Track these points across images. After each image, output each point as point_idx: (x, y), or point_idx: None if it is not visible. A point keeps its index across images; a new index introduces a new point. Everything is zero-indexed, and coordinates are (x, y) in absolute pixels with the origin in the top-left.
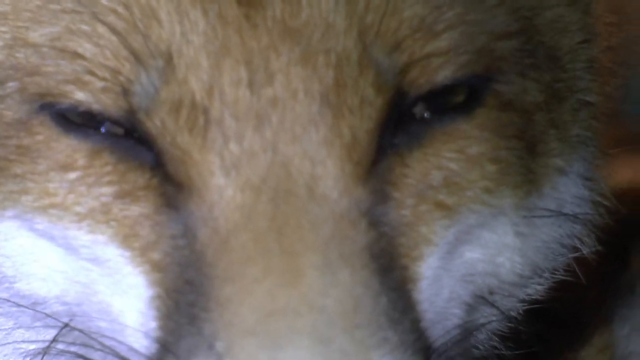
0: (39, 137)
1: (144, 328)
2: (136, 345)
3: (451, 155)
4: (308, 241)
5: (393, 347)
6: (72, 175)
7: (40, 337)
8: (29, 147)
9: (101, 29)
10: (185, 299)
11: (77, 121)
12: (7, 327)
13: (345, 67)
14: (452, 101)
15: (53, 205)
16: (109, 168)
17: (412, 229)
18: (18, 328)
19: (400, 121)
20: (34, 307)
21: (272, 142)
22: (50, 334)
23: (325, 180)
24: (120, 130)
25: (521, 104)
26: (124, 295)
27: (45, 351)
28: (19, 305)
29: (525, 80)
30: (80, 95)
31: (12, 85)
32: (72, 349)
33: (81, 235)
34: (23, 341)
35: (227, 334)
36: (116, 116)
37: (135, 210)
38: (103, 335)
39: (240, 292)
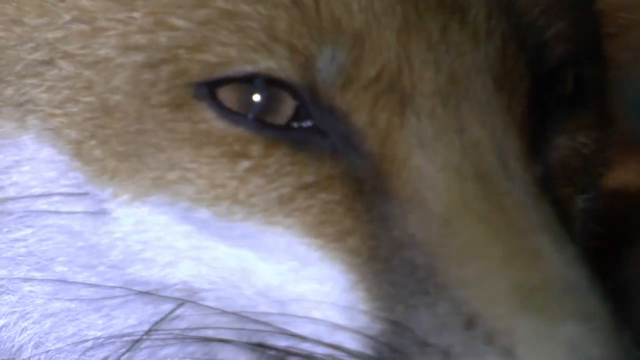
0: (202, 125)
1: (347, 313)
2: (343, 323)
3: (583, 141)
4: (531, 220)
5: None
6: (245, 165)
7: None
8: (187, 133)
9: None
10: (410, 280)
11: (234, 108)
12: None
13: (507, 47)
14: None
15: (220, 198)
16: (288, 159)
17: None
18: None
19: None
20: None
21: (460, 122)
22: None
23: (511, 159)
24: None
25: None
26: (310, 283)
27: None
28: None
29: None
30: (265, 63)
31: (166, 68)
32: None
33: (251, 226)
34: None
35: (492, 311)
36: (299, 88)
37: (322, 198)
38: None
39: (489, 271)
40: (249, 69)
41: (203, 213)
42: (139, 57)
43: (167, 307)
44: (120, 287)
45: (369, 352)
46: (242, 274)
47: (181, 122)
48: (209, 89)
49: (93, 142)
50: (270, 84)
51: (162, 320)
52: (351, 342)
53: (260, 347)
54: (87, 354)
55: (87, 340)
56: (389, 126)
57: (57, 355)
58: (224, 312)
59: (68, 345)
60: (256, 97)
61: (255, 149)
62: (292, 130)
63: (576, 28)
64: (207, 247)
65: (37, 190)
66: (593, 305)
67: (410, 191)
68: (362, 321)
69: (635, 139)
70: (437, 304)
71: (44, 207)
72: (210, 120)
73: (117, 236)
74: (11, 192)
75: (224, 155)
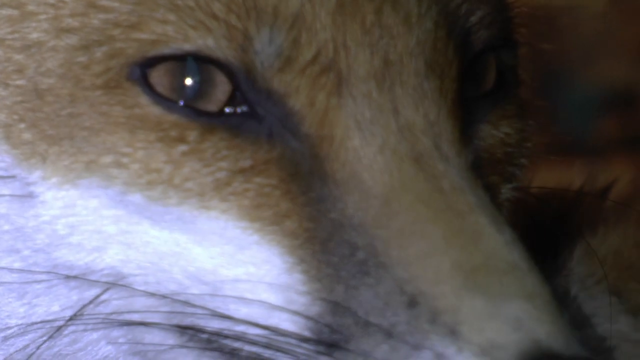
0: (137, 110)
1: (284, 296)
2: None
3: (507, 131)
4: (469, 202)
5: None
6: (182, 149)
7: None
8: (121, 118)
9: None
10: (350, 261)
11: (166, 94)
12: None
13: (437, 31)
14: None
15: (155, 182)
16: (224, 143)
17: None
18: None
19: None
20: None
21: (395, 105)
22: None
23: (445, 142)
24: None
25: None
26: (246, 267)
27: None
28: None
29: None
30: (202, 41)
31: (100, 50)
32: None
33: (186, 210)
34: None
35: (435, 290)
36: (236, 70)
37: (259, 182)
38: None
39: (431, 250)
40: (186, 47)
41: (136, 197)
42: (72, 40)
43: (92, 292)
44: (47, 272)
45: (307, 333)
46: (174, 258)
47: (116, 106)
48: (142, 71)
49: (22, 126)
50: (203, 65)
51: (87, 304)
52: (288, 324)
53: (190, 330)
54: (7, 342)
55: (9, 328)
56: (327, 108)
57: None
58: (152, 295)
59: None
60: (188, 81)
61: (192, 134)
62: (227, 116)
63: (495, 14)
64: (138, 231)
65: None
66: (534, 285)
67: (348, 173)
68: (300, 303)
69: (576, 141)
70: (379, 284)
71: None
72: (145, 105)
73: (44, 219)
74: None
75: (160, 140)
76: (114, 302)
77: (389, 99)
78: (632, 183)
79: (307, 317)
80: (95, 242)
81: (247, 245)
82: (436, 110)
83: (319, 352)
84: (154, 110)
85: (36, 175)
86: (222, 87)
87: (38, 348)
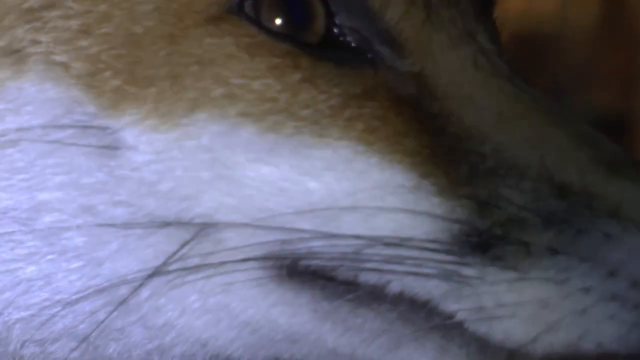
0: (246, 39)
1: (420, 205)
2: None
3: None
4: (561, 112)
5: None
6: (297, 76)
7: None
8: (232, 47)
9: None
10: (481, 169)
11: (270, 26)
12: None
13: None
14: None
15: (271, 111)
16: (334, 72)
17: None
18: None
19: None
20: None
21: (471, 29)
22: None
23: (506, 67)
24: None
25: None
26: (370, 191)
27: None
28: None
29: None
30: None
31: None
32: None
33: (302, 140)
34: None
35: (584, 180)
36: None
37: (371, 106)
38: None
39: (564, 149)
40: None
41: (249, 129)
42: None
43: (179, 243)
44: (124, 225)
45: (455, 238)
46: (282, 195)
47: (225, 38)
48: (245, 5)
49: (109, 73)
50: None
51: (172, 255)
52: (433, 232)
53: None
54: (68, 308)
55: (68, 296)
56: (421, 24)
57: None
58: (249, 227)
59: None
60: (294, 14)
61: (304, 62)
62: (329, 46)
63: None
64: (242, 171)
65: (38, 126)
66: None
67: (454, 89)
68: (441, 210)
69: None
70: (521, 183)
71: (45, 141)
72: (255, 35)
73: (132, 167)
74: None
75: (275, 68)
76: (205, 246)
77: (462, 20)
78: None
79: (453, 221)
80: (189, 189)
81: (367, 169)
82: (489, 39)
83: (474, 251)
84: (265, 39)
85: (125, 120)
86: (320, 17)
87: (114, 310)
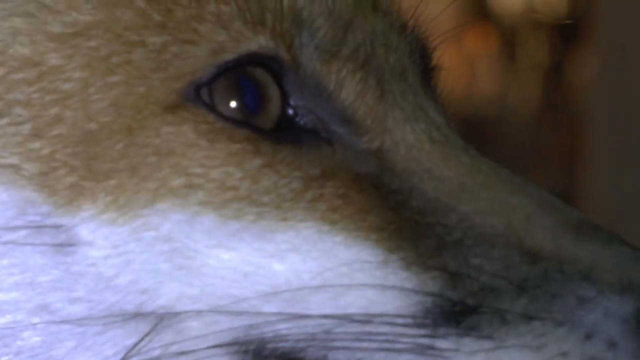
0: (204, 127)
1: (389, 281)
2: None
3: None
4: (520, 181)
5: None
6: (257, 162)
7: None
8: (191, 136)
9: None
10: (448, 240)
11: (227, 113)
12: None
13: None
14: None
15: (232, 199)
16: (295, 153)
17: None
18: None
19: None
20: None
21: (419, 103)
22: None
23: (457, 137)
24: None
25: None
26: (338, 269)
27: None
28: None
29: None
30: (255, 43)
31: (156, 76)
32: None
33: (264, 226)
34: None
35: (554, 244)
36: (286, 69)
37: (332, 185)
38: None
39: (532, 216)
40: (239, 50)
41: (210, 218)
42: (121, 77)
43: (136, 339)
44: (80, 320)
45: (426, 311)
46: (245, 280)
47: (183, 126)
48: (203, 91)
49: (63, 171)
50: (257, 77)
51: (130, 350)
52: (401, 308)
53: (265, 343)
54: None
55: None
56: (375, 101)
57: None
58: (220, 314)
59: None
60: (245, 97)
61: (264, 146)
62: (284, 129)
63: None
64: (201, 259)
65: None
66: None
67: (413, 164)
68: (410, 284)
69: None
70: (492, 251)
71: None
72: (213, 122)
73: (88, 262)
74: None
75: (234, 156)
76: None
77: (413, 95)
78: None
79: (424, 294)
80: (148, 281)
81: (333, 247)
82: (435, 110)
83: (448, 323)
84: (223, 125)
85: (81, 216)
86: (275, 102)
87: None
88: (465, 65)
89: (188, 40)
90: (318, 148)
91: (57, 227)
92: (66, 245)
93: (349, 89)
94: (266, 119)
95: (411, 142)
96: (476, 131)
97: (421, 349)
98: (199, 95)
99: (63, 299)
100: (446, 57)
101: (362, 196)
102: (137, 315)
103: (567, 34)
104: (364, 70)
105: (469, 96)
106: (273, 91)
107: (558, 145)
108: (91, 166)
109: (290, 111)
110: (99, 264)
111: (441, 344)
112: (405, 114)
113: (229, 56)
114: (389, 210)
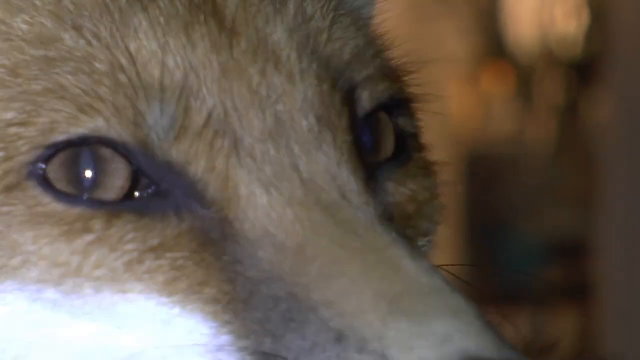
0: (39, 208)
1: (215, 357)
2: None
3: (413, 188)
4: (383, 239)
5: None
6: (87, 239)
7: None
8: (25, 216)
9: (102, 68)
10: (274, 313)
11: (66, 190)
12: None
13: (322, 85)
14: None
15: (66, 275)
16: (130, 225)
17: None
18: None
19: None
20: None
21: (294, 160)
22: None
23: (350, 193)
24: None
25: None
26: (174, 341)
27: None
28: None
29: None
30: (93, 123)
31: None
32: None
33: (103, 298)
34: None
35: (360, 321)
36: (131, 148)
37: (171, 257)
38: None
39: (351, 286)
40: (77, 131)
41: (51, 293)
42: None
43: None
44: None
45: None
46: (100, 351)
47: (18, 206)
48: (39, 169)
49: None
50: (98, 153)
51: None
52: None
53: None
54: None
55: None
56: (227, 170)
57: None
58: None
59: None
60: (85, 173)
61: (97, 223)
62: (131, 199)
63: (383, 75)
64: (58, 331)
65: None
66: (459, 302)
67: (258, 230)
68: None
69: (521, 289)
70: (304, 327)
71: None
72: (46, 203)
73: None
74: None
75: (64, 234)
76: None
77: (287, 155)
78: (576, 334)
79: None
80: (14, 351)
81: (170, 320)
82: (335, 162)
83: None
84: (55, 206)
85: None
86: (120, 174)
87: None
88: (481, 105)
89: (24, 121)
90: (163, 216)
91: None
92: None
93: (200, 163)
94: (109, 190)
95: (262, 209)
96: (492, 170)
97: None
98: (37, 172)
99: None
100: (461, 96)
101: (200, 267)
102: None
103: (583, 73)
104: (217, 140)
105: (485, 133)
106: (118, 165)
107: (573, 185)
108: None
109: (141, 179)
110: None
111: None
112: (264, 177)
113: (59, 137)
114: (225, 281)
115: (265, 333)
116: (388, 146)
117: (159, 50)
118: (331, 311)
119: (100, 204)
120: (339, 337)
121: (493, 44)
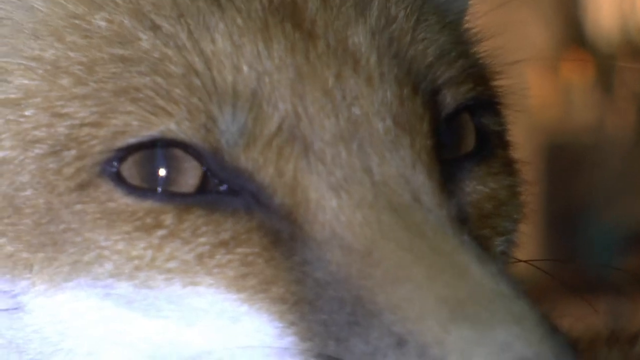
0: (111, 204)
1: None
2: None
3: (494, 186)
4: (452, 243)
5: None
6: (160, 233)
7: None
8: (97, 214)
9: (177, 71)
10: (338, 315)
11: (139, 184)
12: None
13: (403, 90)
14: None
15: (138, 268)
16: (202, 220)
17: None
18: None
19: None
20: None
21: (367, 163)
22: None
23: (424, 195)
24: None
25: None
26: (240, 339)
27: None
28: None
29: None
30: (165, 126)
31: (68, 153)
32: None
33: (174, 291)
34: None
35: (422, 327)
36: (202, 151)
37: (241, 252)
38: None
39: (415, 290)
40: (150, 133)
41: (123, 287)
42: (40, 150)
43: None
44: None
45: None
46: (168, 345)
47: (90, 204)
48: (113, 167)
49: (3, 240)
50: (170, 152)
51: None
52: None
53: None
54: None
55: None
56: (296, 176)
57: None
58: None
59: None
60: (159, 171)
61: (168, 217)
62: (202, 194)
63: (466, 76)
64: (129, 326)
65: None
66: (522, 308)
67: (328, 233)
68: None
69: (600, 279)
70: (368, 332)
71: None
72: (118, 198)
73: (33, 329)
74: None
75: (137, 230)
76: None
77: (359, 158)
78: None
79: None
80: (89, 346)
81: (238, 317)
82: (411, 165)
83: None
84: (127, 201)
85: (22, 285)
86: (192, 172)
87: None
88: (561, 94)
89: (98, 121)
90: (235, 211)
91: (5, 292)
92: (13, 310)
93: (268, 170)
94: (182, 185)
95: (332, 212)
96: (572, 160)
97: None
98: (111, 170)
99: None
100: (542, 85)
101: (269, 265)
102: None
103: None
104: (287, 147)
105: (565, 123)
106: (189, 165)
107: None
108: (24, 238)
109: (211, 178)
110: (42, 330)
111: None
112: (334, 180)
113: (131, 140)
114: (293, 281)
115: (329, 336)
116: (469, 142)
117: (234, 55)
118: (394, 316)
119: (171, 197)
120: (400, 342)
121: (573, 33)
